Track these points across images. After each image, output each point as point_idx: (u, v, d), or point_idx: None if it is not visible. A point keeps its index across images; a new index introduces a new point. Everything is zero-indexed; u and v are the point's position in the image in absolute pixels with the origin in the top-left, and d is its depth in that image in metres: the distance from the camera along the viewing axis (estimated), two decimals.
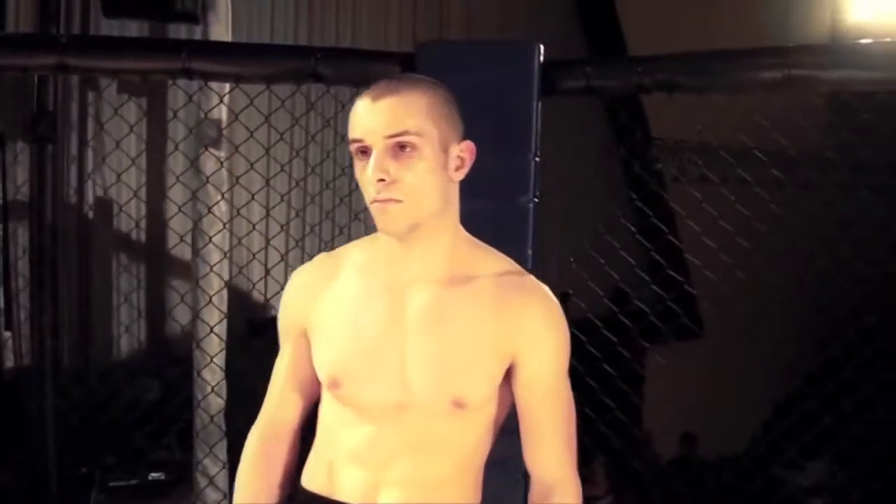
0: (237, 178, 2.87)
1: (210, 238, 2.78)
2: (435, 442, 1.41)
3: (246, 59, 2.36)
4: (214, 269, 2.80)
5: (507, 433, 1.50)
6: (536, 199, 2.35)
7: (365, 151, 1.33)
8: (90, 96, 3.99)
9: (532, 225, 2.34)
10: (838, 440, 3.06)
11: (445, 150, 1.36)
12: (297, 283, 1.49)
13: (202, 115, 2.89)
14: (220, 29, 2.93)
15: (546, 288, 1.44)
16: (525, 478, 1.56)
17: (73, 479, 3.22)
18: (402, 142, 1.31)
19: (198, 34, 3.52)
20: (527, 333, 1.39)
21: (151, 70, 2.33)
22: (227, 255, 2.85)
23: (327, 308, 1.43)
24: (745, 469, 5.23)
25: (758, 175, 2.89)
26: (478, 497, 1.50)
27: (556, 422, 1.44)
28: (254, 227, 2.90)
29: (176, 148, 3.11)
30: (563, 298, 3.21)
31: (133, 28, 3.96)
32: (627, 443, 4.44)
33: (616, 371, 2.83)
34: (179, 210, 2.96)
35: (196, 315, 2.87)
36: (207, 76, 2.36)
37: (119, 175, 3.42)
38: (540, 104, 2.31)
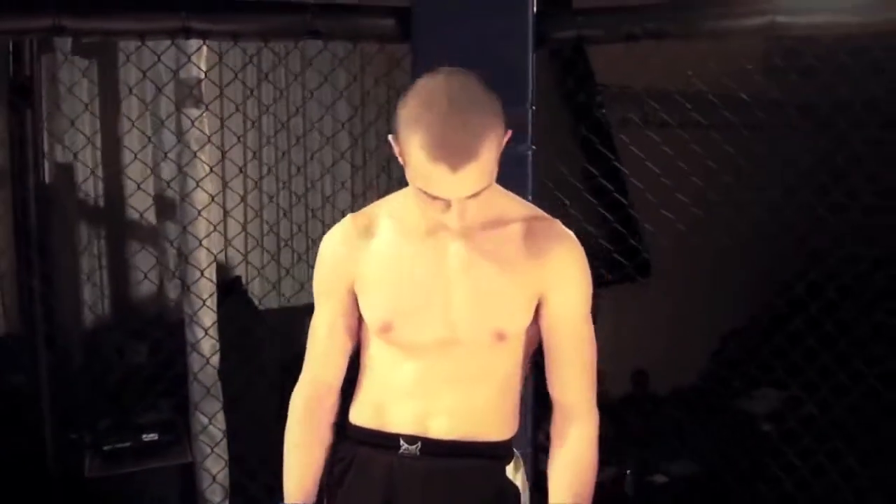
0: (238, 137, 2.86)
1: (199, 212, 2.79)
2: (478, 371, 1.56)
3: (243, 17, 2.38)
4: (203, 243, 2.81)
5: None
6: (534, 147, 2.45)
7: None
8: (44, 59, 3.87)
9: (531, 172, 2.44)
10: (779, 368, 3.27)
11: (500, 145, 1.48)
12: (334, 241, 1.59)
13: (182, 76, 2.86)
14: None
15: (571, 232, 1.59)
16: None
17: (64, 445, 3.21)
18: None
19: None
20: (554, 271, 1.54)
21: (150, 30, 2.32)
22: (228, 213, 2.86)
23: (373, 260, 1.55)
24: (695, 400, 5.50)
25: (707, 119, 3.04)
26: (517, 422, 1.65)
27: (579, 352, 1.59)
28: (242, 200, 2.90)
29: (147, 109, 3.04)
30: None
31: None
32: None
33: None
34: (171, 182, 2.94)
35: (187, 288, 2.88)
36: (206, 34, 2.37)
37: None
38: (534, 55, 2.40)
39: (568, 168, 3.10)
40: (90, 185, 4.03)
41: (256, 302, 4.15)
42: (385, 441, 1.57)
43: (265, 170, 3.35)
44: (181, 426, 3.29)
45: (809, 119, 3.16)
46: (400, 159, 1.45)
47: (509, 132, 1.49)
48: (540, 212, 1.60)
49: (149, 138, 3.12)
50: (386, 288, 1.54)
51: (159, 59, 2.75)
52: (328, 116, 3.24)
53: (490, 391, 1.57)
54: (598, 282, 3.22)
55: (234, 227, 3.33)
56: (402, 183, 1.52)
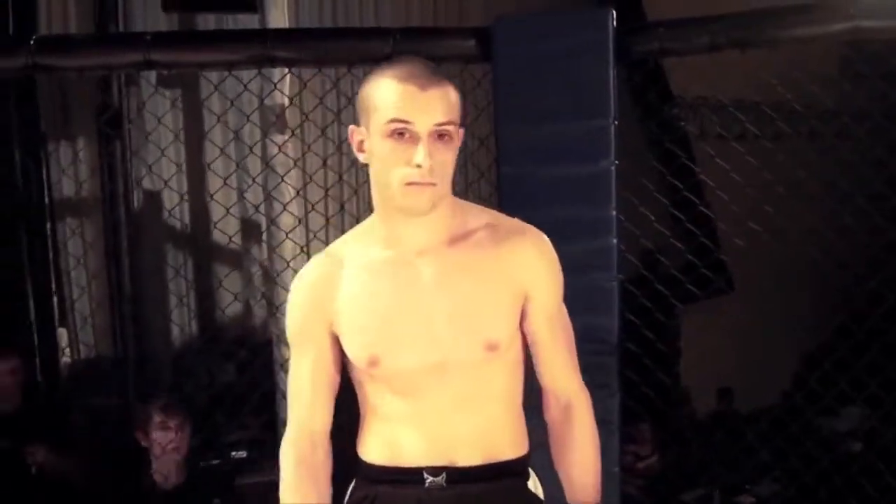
0: (324, 161, 2.93)
1: (287, 234, 2.86)
2: (477, 390, 1.52)
3: (327, 44, 2.44)
4: (291, 264, 2.88)
5: None
6: (616, 162, 2.44)
7: (402, 133, 1.42)
8: (131, 91, 4.03)
9: (614, 187, 2.44)
10: (868, 386, 3.15)
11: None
12: (306, 284, 1.57)
13: (266, 103, 2.95)
14: (278, 16, 2.99)
15: (532, 227, 1.58)
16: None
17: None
18: (445, 131, 1.43)
19: (229, 24, 3.59)
20: (529, 268, 1.54)
21: (237, 61, 2.40)
22: (304, 249, 2.92)
23: (345, 297, 1.52)
24: (780, 418, 5.36)
25: (782, 130, 2.97)
26: (526, 432, 1.62)
27: (564, 343, 1.60)
28: (327, 222, 2.97)
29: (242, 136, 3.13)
30: None
31: (162, 22, 4.00)
32: (667, 402, 4.54)
33: (651, 332, 2.93)
34: (257, 206, 3.01)
35: (276, 309, 2.95)
36: (290, 63, 2.43)
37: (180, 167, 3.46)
38: (615, 70, 2.40)
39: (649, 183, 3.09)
40: (178, 211, 4.16)
41: None
42: (406, 476, 1.52)
43: (349, 192, 3.40)
44: (269, 444, 3.35)
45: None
46: (360, 156, 1.48)
47: (462, 132, 1.50)
48: (500, 215, 1.59)
49: (237, 164, 3.20)
50: (366, 322, 1.51)
51: (245, 88, 2.84)
52: None
53: (495, 408, 1.55)
54: (685, 298, 3.21)
55: (319, 249, 3.39)
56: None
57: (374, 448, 1.56)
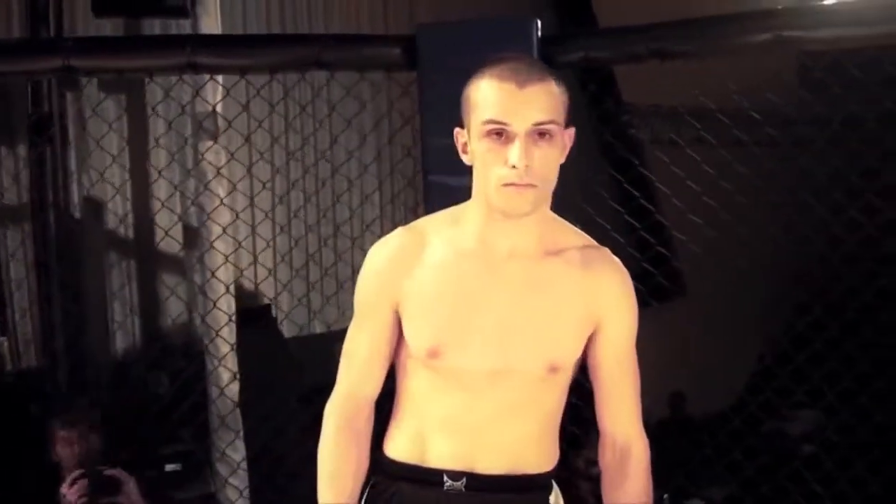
0: (248, 168, 2.90)
1: (224, 229, 2.82)
2: (527, 404, 1.49)
3: (250, 51, 2.41)
4: (229, 259, 2.84)
5: None
6: None
7: (500, 133, 1.38)
8: (69, 96, 3.97)
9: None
10: (824, 390, 3.17)
11: (562, 137, 1.44)
12: (381, 257, 1.52)
13: (193, 110, 2.90)
14: (210, 22, 2.95)
15: (619, 260, 1.54)
16: None
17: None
18: (545, 130, 1.37)
19: (185, 30, 3.55)
20: (609, 300, 1.50)
21: (158, 67, 2.36)
22: (240, 245, 2.88)
23: (421, 280, 1.48)
24: (731, 422, 5.39)
25: (732, 137, 2.98)
26: (557, 452, 1.58)
27: (629, 384, 1.54)
28: (266, 215, 2.93)
29: (159, 143, 3.09)
30: None
31: (108, 27, 3.95)
32: None
33: None
34: (193, 202, 2.97)
35: (214, 305, 2.90)
36: (213, 69, 2.40)
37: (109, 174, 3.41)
38: None
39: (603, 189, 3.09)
40: (119, 218, 4.10)
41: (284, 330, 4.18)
42: (427, 476, 1.50)
43: (273, 199, 3.37)
44: (203, 457, 3.30)
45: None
46: (464, 157, 1.44)
47: (573, 132, 1.45)
48: (591, 240, 1.54)
49: (188, 172, 3.14)
50: (436, 310, 1.46)
51: (197, 94, 2.79)
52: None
53: (536, 424, 1.52)
54: (643, 304, 3.21)
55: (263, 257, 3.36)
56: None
57: (402, 444, 1.53)
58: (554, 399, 1.53)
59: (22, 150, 3.63)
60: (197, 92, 2.75)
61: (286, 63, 2.39)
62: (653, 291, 3.14)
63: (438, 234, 1.50)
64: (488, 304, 1.46)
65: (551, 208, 1.49)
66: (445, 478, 1.49)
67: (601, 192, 3.13)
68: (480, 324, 1.46)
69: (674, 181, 3.08)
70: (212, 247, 2.84)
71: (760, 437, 5.10)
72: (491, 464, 1.49)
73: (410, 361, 1.52)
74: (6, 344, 4.01)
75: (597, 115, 5.72)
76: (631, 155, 3.48)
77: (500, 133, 1.37)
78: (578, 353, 1.51)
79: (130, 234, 4.19)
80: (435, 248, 1.49)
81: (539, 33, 2.36)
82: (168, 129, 3.30)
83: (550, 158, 1.39)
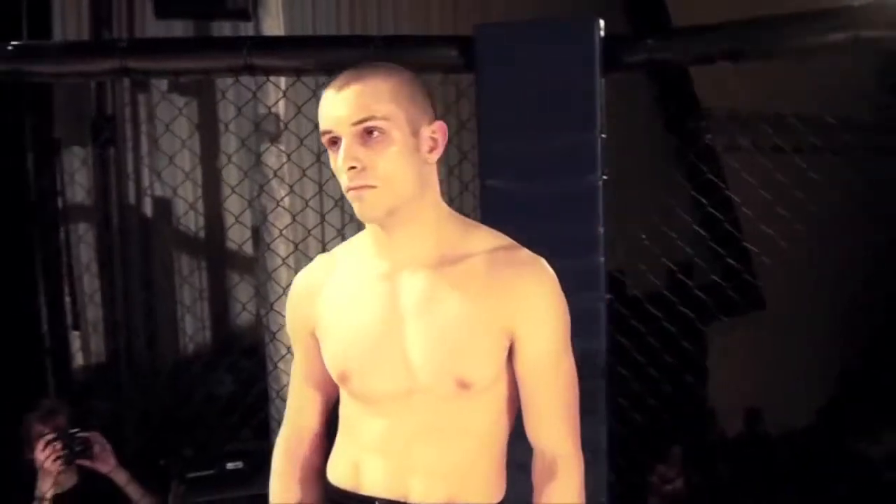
0: (304, 171, 2.89)
1: (281, 231, 2.82)
2: (448, 426, 1.41)
3: (305, 53, 2.39)
4: (287, 261, 2.84)
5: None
6: (605, 177, 2.34)
7: (335, 142, 1.35)
8: (141, 99, 4.05)
9: (601, 203, 2.34)
10: None
11: (416, 133, 1.36)
12: (299, 285, 1.52)
13: (261, 111, 2.91)
14: (272, 24, 2.95)
15: (541, 260, 1.43)
16: None
17: (151, 472, 3.28)
18: (370, 127, 1.32)
19: (244, 32, 3.57)
20: (521, 308, 1.39)
21: (213, 69, 2.36)
22: (297, 247, 2.88)
23: (328, 305, 1.46)
24: (813, 442, 5.15)
25: (810, 142, 2.83)
26: (503, 483, 1.49)
27: (556, 396, 1.44)
28: (323, 218, 2.92)
29: (243, 144, 3.10)
30: (615, 278, 3.14)
31: (179, 28, 4.01)
32: (693, 422, 4.38)
33: (676, 350, 2.82)
34: (250, 204, 2.98)
35: (271, 307, 2.90)
36: (269, 71, 2.39)
37: (186, 174, 3.46)
38: (603, 81, 2.30)
39: (673, 198, 2.99)
40: (190, 219, 4.16)
41: None
42: None
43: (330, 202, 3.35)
44: (265, 455, 3.29)
45: None
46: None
47: (443, 126, 1.40)
48: (506, 240, 1.45)
49: (245, 173, 3.16)
50: (339, 336, 1.44)
51: (255, 96, 2.80)
52: None
53: (467, 448, 1.43)
54: (712, 317, 3.10)
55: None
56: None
57: (339, 469, 1.50)
58: (482, 419, 1.43)
59: (91, 151, 3.71)
60: (254, 94, 2.74)
61: (341, 64, 2.35)
62: (725, 305, 3.01)
63: (348, 257, 1.47)
64: (389, 324, 1.40)
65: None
66: None
67: (671, 202, 3.02)
68: (383, 345, 1.40)
69: (751, 190, 2.95)
70: (269, 249, 2.84)
71: (840, 459, 4.88)
72: (425, 493, 1.41)
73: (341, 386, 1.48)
74: (78, 339, 4.12)
75: (667, 119, 5.61)
76: (704, 162, 3.35)
77: (334, 142, 1.34)
78: (494, 367, 1.40)
79: (200, 233, 4.25)
80: (343, 270, 1.46)
81: (602, 34, 2.27)
82: (225, 130, 3.31)
83: (388, 156, 1.33)
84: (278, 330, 2.94)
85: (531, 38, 2.31)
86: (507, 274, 1.38)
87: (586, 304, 2.38)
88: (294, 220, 2.90)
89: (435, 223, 1.40)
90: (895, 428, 4.60)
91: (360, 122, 1.32)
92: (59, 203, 3.86)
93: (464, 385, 1.38)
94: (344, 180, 1.34)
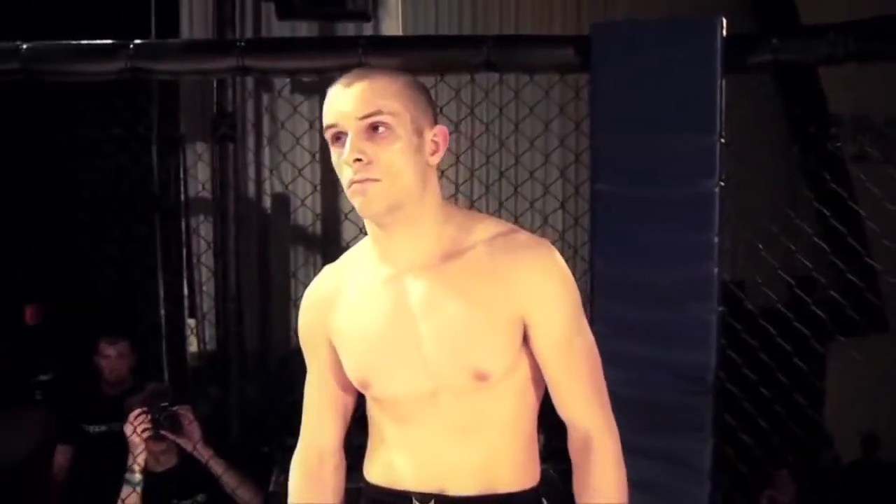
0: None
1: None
2: (473, 418, 1.42)
3: (418, 52, 2.39)
4: None
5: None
6: (722, 183, 2.25)
7: (339, 137, 1.34)
8: (265, 98, 4.17)
9: (718, 210, 2.25)
10: None
11: (419, 134, 1.36)
12: (310, 299, 1.51)
13: None
14: (392, 24, 2.98)
15: (542, 241, 1.41)
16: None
17: (255, 459, 3.36)
18: (376, 122, 1.32)
19: (367, 32, 3.63)
20: (528, 293, 1.38)
21: (329, 68, 2.39)
22: None
23: (343, 314, 1.45)
24: None
25: None
26: (537, 468, 1.50)
27: (578, 372, 1.43)
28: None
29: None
30: (739, 287, 3.00)
31: (304, 29, 4.11)
32: (809, 445, 4.18)
33: (794, 369, 2.68)
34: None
35: None
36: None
37: (299, 170, 3.52)
38: (724, 82, 2.21)
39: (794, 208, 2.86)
40: (305, 214, 4.25)
41: None
42: (398, 500, 1.46)
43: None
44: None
45: None
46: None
47: (444, 130, 1.39)
48: (506, 225, 1.44)
49: None
50: (356, 343, 1.44)
51: None
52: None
53: (494, 438, 1.43)
54: (833, 335, 2.93)
55: None
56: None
57: (374, 468, 1.51)
58: (507, 406, 1.43)
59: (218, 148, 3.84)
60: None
61: (454, 65, 2.36)
62: (844, 324, 2.85)
63: (354, 264, 1.46)
64: (401, 326, 1.39)
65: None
66: (415, 501, 1.44)
67: (789, 212, 2.88)
68: (398, 348, 1.40)
69: (878, 203, 2.78)
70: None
71: None
72: (461, 485, 1.42)
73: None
74: (194, 327, 4.28)
75: (791, 125, 5.36)
76: (829, 171, 3.18)
77: (338, 137, 1.34)
78: (510, 355, 1.39)
79: (317, 229, 4.34)
80: (352, 278, 1.45)
81: (724, 33, 2.19)
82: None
83: (393, 151, 1.32)
84: None
85: (649, 37, 2.24)
86: (508, 259, 1.38)
87: (697, 315, 2.30)
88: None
89: (434, 224, 1.40)
90: None
91: (367, 116, 1.33)
92: (182, 195, 4.02)
93: (481, 377, 1.39)
94: (347, 174, 1.34)
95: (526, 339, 1.42)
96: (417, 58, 2.37)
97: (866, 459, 5.26)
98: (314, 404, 1.55)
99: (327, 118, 1.36)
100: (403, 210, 1.36)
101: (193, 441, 2.64)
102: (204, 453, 2.65)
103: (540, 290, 1.38)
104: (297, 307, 1.52)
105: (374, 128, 1.33)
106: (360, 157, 1.32)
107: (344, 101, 1.34)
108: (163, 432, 2.58)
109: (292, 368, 3.82)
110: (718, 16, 2.17)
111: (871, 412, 5.14)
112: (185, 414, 2.62)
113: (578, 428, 1.45)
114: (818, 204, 2.88)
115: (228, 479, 2.69)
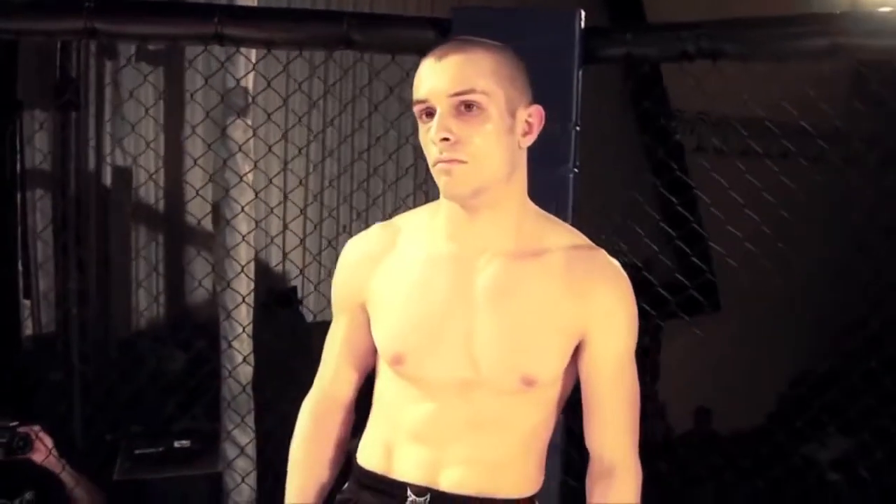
0: (269, 147, 2.83)
1: (242, 207, 2.75)
2: (500, 420, 1.38)
3: (278, 25, 2.32)
4: (246, 238, 2.77)
5: None
6: (576, 170, 2.32)
7: (430, 113, 1.30)
8: (108, 65, 3.94)
9: (572, 196, 2.31)
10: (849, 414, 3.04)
11: (513, 114, 1.32)
12: (353, 253, 1.45)
13: (230, 84, 2.83)
14: None
15: (617, 263, 1.40)
16: None
17: (98, 446, 3.21)
18: (468, 101, 1.28)
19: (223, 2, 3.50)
20: (597, 310, 1.36)
21: (182, 35, 2.28)
22: (259, 224, 2.81)
23: (387, 280, 1.39)
24: (761, 444, 5.24)
25: (779, 149, 2.84)
26: (541, 476, 1.47)
27: (621, 402, 1.41)
28: (286, 197, 2.86)
29: (208, 116, 3.03)
30: None
31: None
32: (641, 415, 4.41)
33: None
34: (211, 178, 2.91)
35: (227, 285, 2.84)
36: (239, 42, 2.31)
37: (147, 144, 3.37)
38: (581, 72, 2.27)
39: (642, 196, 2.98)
40: (149, 189, 4.07)
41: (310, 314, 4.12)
42: (391, 489, 1.41)
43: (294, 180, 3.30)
44: (215, 435, 3.24)
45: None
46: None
47: (540, 111, 1.37)
48: (583, 239, 1.42)
49: (209, 146, 3.08)
50: (398, 314, 1.37)
51: (223, 66, 2.72)
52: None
53: (512, 442, 1.40)
54: (669, 313, 3.11)
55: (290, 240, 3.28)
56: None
57: (371, 452, 1.45)
58: (534, 416, 1.41)
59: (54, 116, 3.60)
60: (223, 64, 2.67)
61: (314, 40, 2.31)
62: (685, 304, 3.02)
63: (413, 231, 1.41)
64: (457, 309, 1.35)
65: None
66: (409, 492, 1.39)
67: (637, 197, 3.02)
68: (448, 330, 1.35)
69: (716, 192, 2.95)
70: (229, 225, 2.77)
71: (787, 460, 4.96)
72: (459, 482, 1.38)
73: (382, 364, 1.43)
74: (29, 308, 4.01)
75: (638, 116, 5.63)
76: (672, 160, 3.36)
77: (429, 113, 1.30)
78: (560, 367, 1.38)
79: (160, 206, 4.16)
80: (406, 244, 1.40)
81: (582, 25, 2.25)
82: (190, 100, 3.22)
83: (483, 133, 1.29)
84: (234, 308, 2.88)
85: (511, 24, 2.26)
86: (586, 276, 1.36)
87: None
88: (257, 196, 2.82)
89: (519, 212, 1.37)
90: (840, 434, 4.69)
91: (459, 94, 1.28)
92: (18, 167, 3.75)
93: (529, 382, 1.35)
94: (433, 152, 1.29)
95: (573, 355, 1.39)
96: (275, 31, 2.30)
97: (698, 431, 5.61)
98: (334, 356, 1.49)
99: (417, 92, 1.30)
100: (489, 193, 1.32)
101: (43, 455, 2.54)
102: (69, 479, 2.57)
103: (611, 312, 1.37)
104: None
105: (466, 106, 1.28)
106: (447, 136, 1.27)
107: (436, 75, 1.28)
108: (16, 458, 2.48)
109: (135, 353, 3.67)
110: (577, 8, 2.22)
111: (704, 387, 5.48)
112: (34, 433, 2.53)
113: (604, 457, 1.42)
114: (664, 191, 3.02)
115: (78, 493, 2.59)
